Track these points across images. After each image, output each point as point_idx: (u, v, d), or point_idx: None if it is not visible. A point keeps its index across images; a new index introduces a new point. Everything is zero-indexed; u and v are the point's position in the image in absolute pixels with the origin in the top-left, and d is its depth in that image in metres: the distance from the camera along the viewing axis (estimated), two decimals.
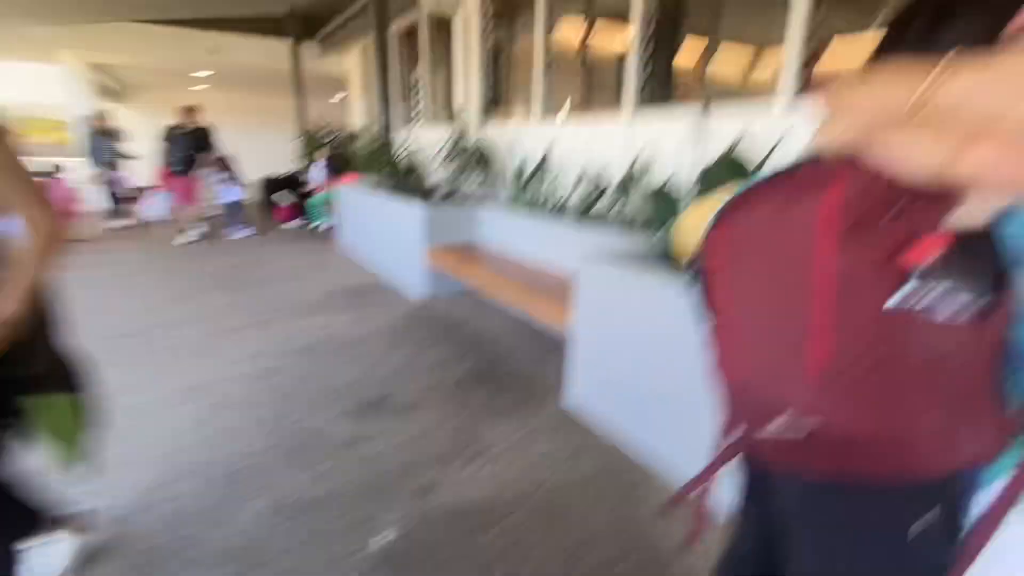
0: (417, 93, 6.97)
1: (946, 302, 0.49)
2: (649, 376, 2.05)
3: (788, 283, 0.58)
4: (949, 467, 0.54)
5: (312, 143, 7.43)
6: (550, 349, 3.17)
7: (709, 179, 2.28)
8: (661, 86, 3.81)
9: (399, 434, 2.25)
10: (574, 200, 3.70)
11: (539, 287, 3.01)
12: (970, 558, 0.60)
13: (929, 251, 0.49)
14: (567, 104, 5.06)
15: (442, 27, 5.98)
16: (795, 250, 0.57)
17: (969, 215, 0.52)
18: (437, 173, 5.23)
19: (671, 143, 3.29)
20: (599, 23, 4.16)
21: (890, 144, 0.42)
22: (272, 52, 9.18)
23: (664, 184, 3.21)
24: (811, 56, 2.69)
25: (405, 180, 4.78)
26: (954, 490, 0.61)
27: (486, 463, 2.06)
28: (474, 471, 2.01)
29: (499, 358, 3.04)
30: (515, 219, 3.85)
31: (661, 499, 1.87)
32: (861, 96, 0.36)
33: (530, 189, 4.01)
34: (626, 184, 3.22)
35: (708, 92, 3.28)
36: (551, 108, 4.67)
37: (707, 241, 0.70)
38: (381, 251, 4.89)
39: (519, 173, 4.15)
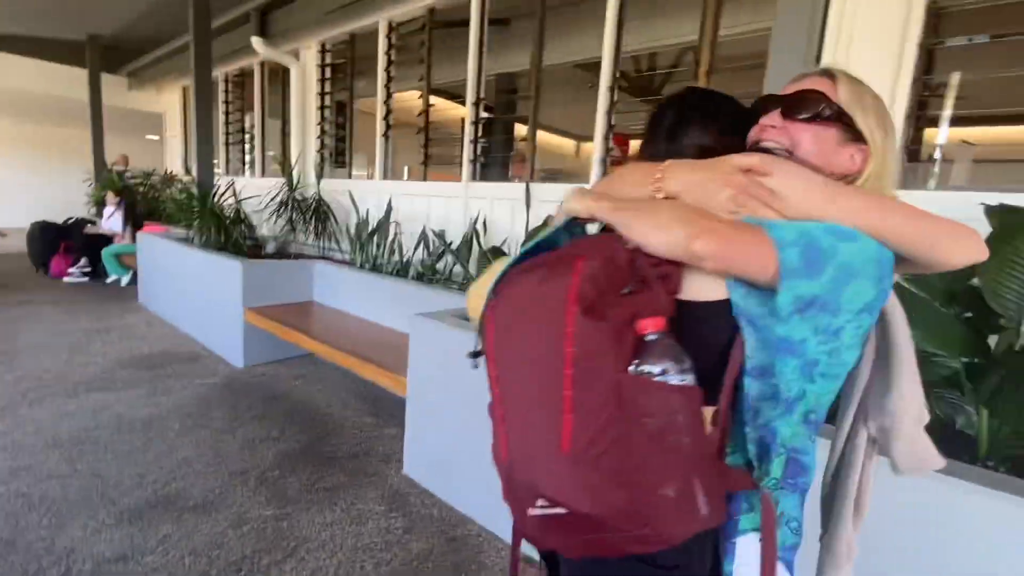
0: (251, 140, 6.48)
1: (673, 368, 0.55)
2: (485, 441, 2.01)
3: (543, 362, 0.59)
4: (694, 529, 0.56)
5: (111, 185, 6.35)
6: (389, 417, 2.97)
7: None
8: (497, 159, 4.09)
9: (189, 540, 1.85)
10: (415, 259, 3.66)
11: (378, 348, 2.85)
12: None
13: (656, 323, 0.56)
14: (408, 166, 5.15)
15: (279, 76, 5.73)
16: (549, 328, 0.59)
17: (697, 289, 0.61)
18: (267, 226, 4.81)
19: (505, 209, 3.49)
20: (441, 98, 4.38)
21: (632, 225, 0.60)
22: (68, 80, 7.87)
23: (501, 245, 3.35)
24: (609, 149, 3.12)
25: (226, 233, 4.28)
26: (703, 547, 0.65)
27: (300, 563, 1.78)
28: (284, 575, 1.72)
29: (328, 431, 2.75)
30: (354, 277, 3.66)
31: (498, 573, 1.79)
32: (612, 186, 0.60)
33: (371, 247, 3.88)
34: (466, 244, 3.29)
35: (534, 169, 3.58)
36: (393, 168, 4.68)
37: (483, 317, 0.70)
38: (192, 311, 4.24)
39: (359, 230, 4.01)
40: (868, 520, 0.88)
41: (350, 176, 5.00)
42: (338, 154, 5.32)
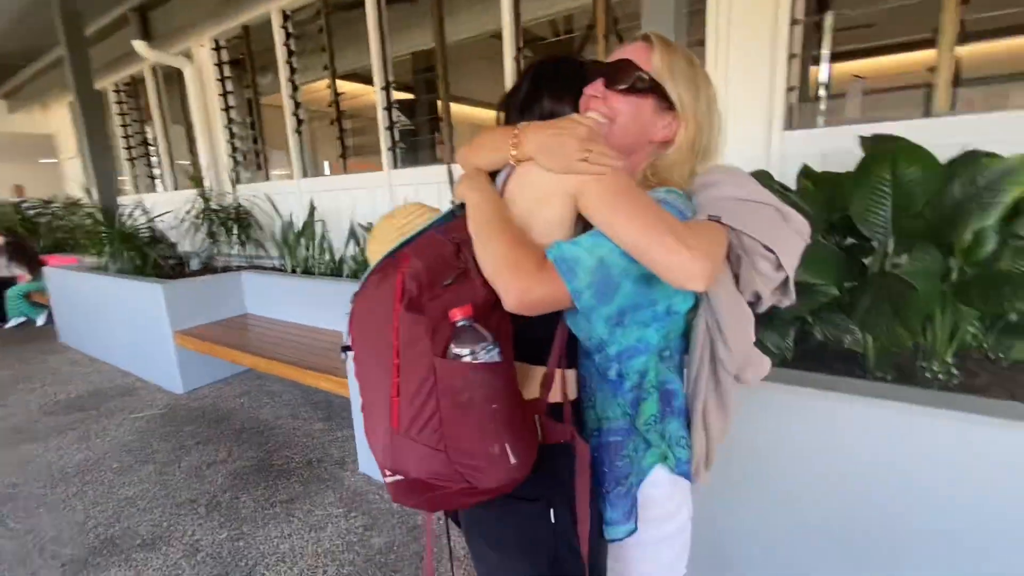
0: (156, 152, 6.04)
1: (479, 348, 0.64)
2: None
3: (380, 353, 0.68)
4: (507, 479, 0.66)
5: (6, 221, 5.82)
6: (340, 420, 2.95)
7: None
8: (425, 141, 3.99)
9: None
10: (348, 255, 3.58)
11: (317, 353, 2.79)
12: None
13: (464, 311, 0.65)
14: (328, 161, 4.95)
15: (174, 79, 5.33)
16: (383, 324, 0.67)
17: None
18: (188, 242, 4.56)
19: (431, 192, 3.44)
20: (356, 83, 4.18)
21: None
22: None
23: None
24: None
25: (142, 255, 4.02)
26: (561, 478, 0.75)
27: None
28: None
29: (278, 445, 2.70)
30: (286, 283, 3.54)
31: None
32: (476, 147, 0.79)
33: (299, 249, 3.76)
34: None
35: (454, 147, 3.53)
36: (314, 163, 4.50)
37: (349, 316, 0.73)
38: (120, 343, 4.00)
39: (285, 234, 3.87)
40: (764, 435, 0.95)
41: (267, 178, 4.78)
42: (254, 155, 5.06)
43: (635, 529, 0.80)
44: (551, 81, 0.86)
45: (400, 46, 4.29)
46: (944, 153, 1.36)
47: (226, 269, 4.03)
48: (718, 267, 0.68)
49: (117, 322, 3.92)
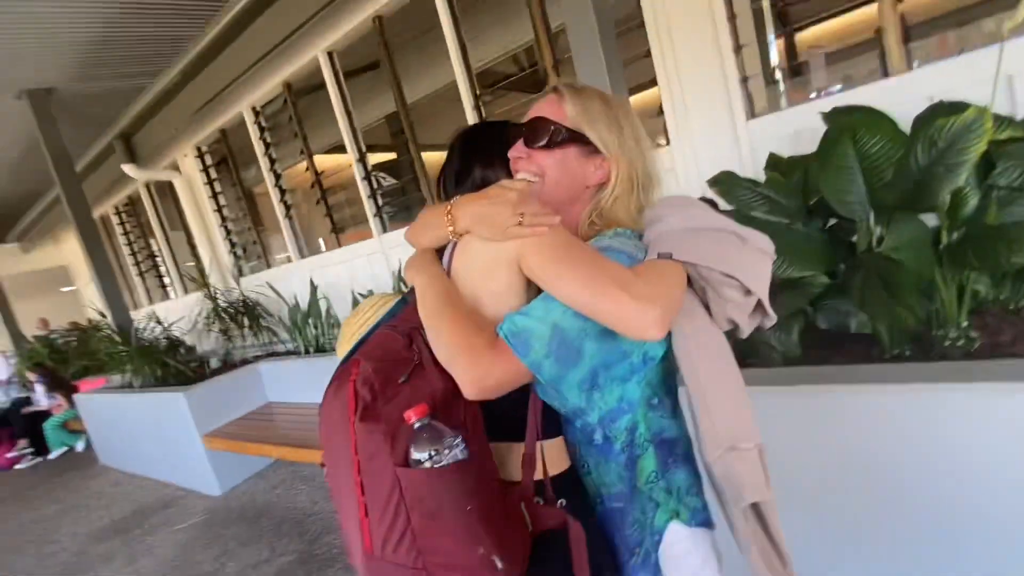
0: (163, 262, 6.27)
1: (440, 449, 0.59)
2: None
3: (344, 468, 0.64)
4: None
5: (36, 356, 6.04)
6: None
7: None
8: (415, 199, 4.07)
9: None
10: None
11: None
12: None
13: (419, 411, 0.60)
14: (322, 237, 5.06)
15: (167, 189, 5.57)
16: (343, 437, 0.63)
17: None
18: (205, 342, 4.66)
19: None
20: (339, 154, 4.30)
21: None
22: None
23: None
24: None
25: (162, 365, 4.12)
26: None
27: None
28: None
29: (318, 533, 2.67)
30: (300, 366, 3.58)
31: None
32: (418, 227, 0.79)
33: (308, 329, 3.81)
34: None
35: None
36: (308, 243, 4.61)
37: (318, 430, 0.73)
38: (154, 457, 4.06)
39: (293, 316, 3.93)
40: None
41: (268, 265, 4.90)
42: (253, 244, 5.21)
43: None
44: (478, 149, 0.87)
45: (373, 112, 4.43)
46: (917, 109, 1.33)
47: (244, 362, 4.10)
48: (673, 310, 0.64)
49: (148, 435, 3.99)
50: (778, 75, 2.35)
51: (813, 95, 2.54)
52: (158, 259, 6.44)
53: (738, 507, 0.66)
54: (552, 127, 0.74)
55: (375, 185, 3.72)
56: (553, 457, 0.74)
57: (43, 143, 4.13)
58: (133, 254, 6.67)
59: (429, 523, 0.59)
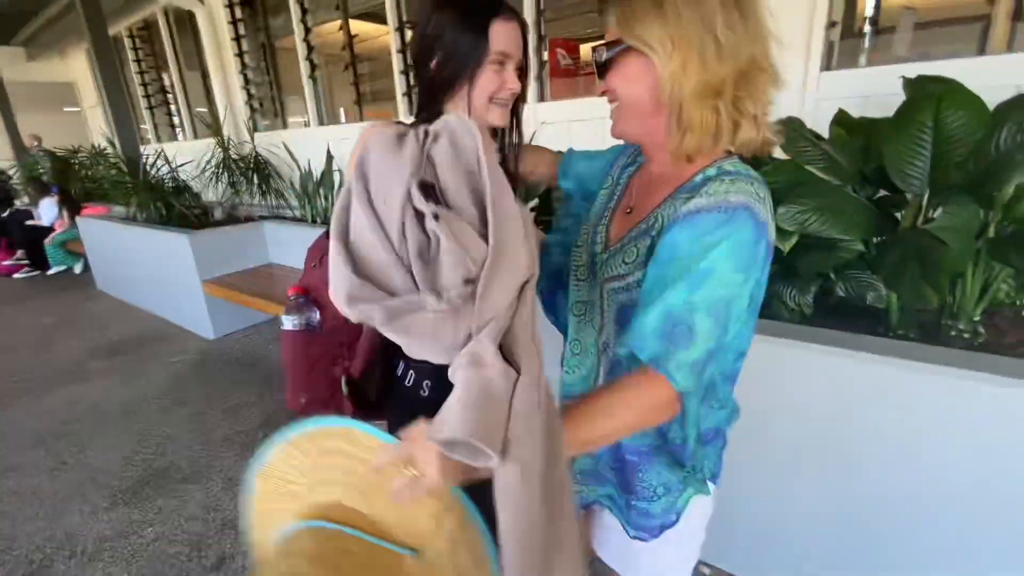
0: (174, 99, 6.02)
1: (291, 318, 0.91)
2: None
3: None
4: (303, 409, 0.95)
5: (33, 168, 5.94)
6: None
7: None
8: None
9: (184, 508, 1.96)
10: None
11: None
12: None
13: (294, 290, 0.92)
14: (343, 107, 4.84)
15: (187, 24, 5.21)
16: None
17: None
18: (210, 191, 4.61)
19: None
20: (372, 23, 4.02)
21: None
22: None
23: None
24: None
25: (167, 205, 4.10)
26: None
27: None
28: None
29: None
30: (306, 235, 3.58)
31: None
32: None
33: (318, 200, 3.77)
34: None
35: None
36: (329, 111, 4.43)
37: None
38: (152, 292, 4.16)
39: (304, 184, 3.87)
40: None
41: (285, 126, 4.74)
42: (271, 102, 4.99)
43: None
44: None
45: None
46: (1000, 96, 1.26)
47: (248, 219, 4.08)
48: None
49: (148, 270, 4.06)
50: (866, 28, 2.18)
51: (894, 59, 2.38)
52: (169, 96, 6.18)
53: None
54: (597, 48, 0.68)
55: (410, 60, 3.51)
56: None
57: None
58: (144, 85, 6.38)
59: (287, 363, 0.94)
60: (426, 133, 0.57)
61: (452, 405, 0.49)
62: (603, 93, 0.72)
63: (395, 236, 0.54)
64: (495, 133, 0.91)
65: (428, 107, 0.85)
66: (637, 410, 0.60)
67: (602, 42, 0.68)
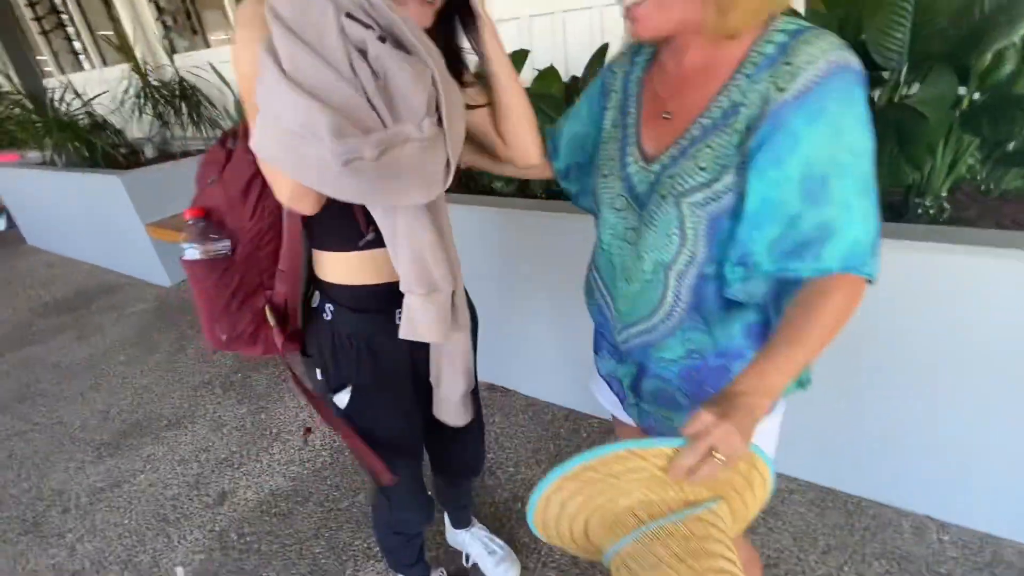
0: (72, 22, 5.23)
1: (189, 245, 0.74)
2: None
3: None
4: (224, 348, 0.85)
5: None
6: None
7: None
8: None
9: (174, 453, 1.95)
10: None
11: None
12: None
13: (192, 213, 0.75)
14: None
15: None
16: None
17: None
18: (135, 126, 4.16)
19: None
20: None
21: None
22: None
23: None
24: None
25: (90, 145, 3.69)
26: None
27: (285, 444, 1.92)
28: (271, 458, 1.86)
29: None
30: None
31: None
32: None
33: None
34: None
35: None
36: None
37: None
38: (91, 243, 3.86)
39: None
40: None
41: (207, 44, 4.23)
42: (187, 17, 4.41)
43: None
44: None
45: None
46: None
47: (185, 154, 3.74)
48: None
49: (82, 219, 3.73)
50: None
51: None
52: (64, 17, 5.37)
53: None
54: None
55: None
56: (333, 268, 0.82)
57: None
58: (32, 5, 5.50)
59: (215, 295, 0.79)
60: None
61: None
62: None
63: (346, 73, 0.53)
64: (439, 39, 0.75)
65: None
66: (843, 313, 0.57)
67: None
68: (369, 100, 0.53)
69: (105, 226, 3.54)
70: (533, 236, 1.64)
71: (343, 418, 0.86)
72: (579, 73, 1.94)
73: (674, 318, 0.70)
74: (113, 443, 2.04)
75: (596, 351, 0.91)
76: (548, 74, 1.90)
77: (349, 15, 0.52)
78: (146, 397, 2.30)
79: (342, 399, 0.85)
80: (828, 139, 0.54)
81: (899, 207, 1.43)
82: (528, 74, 2.00)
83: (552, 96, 1.80)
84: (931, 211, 1.41)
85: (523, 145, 0.83)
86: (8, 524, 1.73)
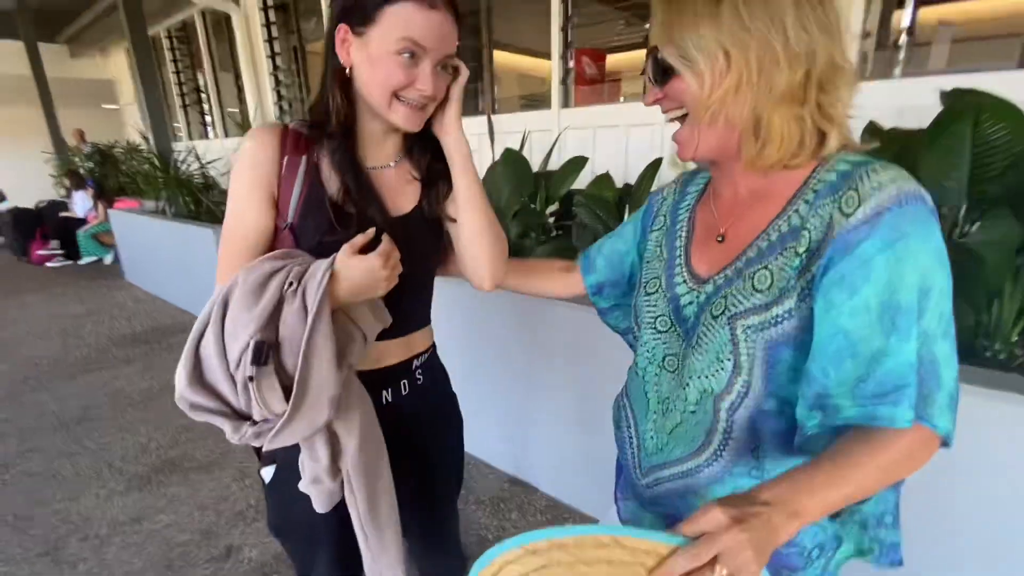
0: (207, 99, 6.19)
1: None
2: None
3: None
4: None
5: (69, 162, 6.16)
6: None
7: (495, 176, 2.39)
8: (469, 90, 3.89)
9: (196, 496, 1.98)
10: None
11: None
12: None
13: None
14: None
15: (223, 26, 5.37)
16: None
17: None
18: None
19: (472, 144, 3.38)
20: None
21: None
22: (4, 55, 7.41)
23: None
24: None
25: (196, 200, 4.20)
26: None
27: None
28: None
29: None
30: None
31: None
32: None
33: None
34: None
35: (495, 98, 3.44)
36: None
37: None
38: (178, 284, 4.26)
39: None
40: None
41: None
42: (299, 103, 5.09)
43: None
44: None
45: None
46: None
47: None
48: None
49: (175, 263, 4.16)
50: (902, 39, 2.12)
51: (930, 72, 2.31)
52: (203, 95, 6.36)
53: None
54: (650, 66, 0.60)
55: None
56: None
57: None
58: (179, 84, 6.58)
59: None
60: (290, 283, 0.66)
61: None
62: (655, 102, 0.61)
63: (233, 361, 0.66)
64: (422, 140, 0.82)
65: (320, 95, 0.77)
66: (908, 461, 0.50)
67: (652, 49, 0.59)
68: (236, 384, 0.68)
69: (192, 271, 3.92)
70: (566, 332, 1.65)
71: (267, 492, 0.86)
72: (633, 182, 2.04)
73: (723, 459, 0.61)
74: (145, 477, 2.11)
75: (616, 488, 0.83)
76: (603, 179, 2.01)
77: (258, 343, 0.65)
78: (185, 436, 2.39)
79: (267, 473, 0.84)
80: (908, 268, 0.48)
81: (963, 348, 1.34)
82: (586, 178, 2.13)
83: (604, 199, 1.90)
84: (1001, 355, 1.31)
85: (475, 266, 0.83)
86: (32, 542, 1.78)
